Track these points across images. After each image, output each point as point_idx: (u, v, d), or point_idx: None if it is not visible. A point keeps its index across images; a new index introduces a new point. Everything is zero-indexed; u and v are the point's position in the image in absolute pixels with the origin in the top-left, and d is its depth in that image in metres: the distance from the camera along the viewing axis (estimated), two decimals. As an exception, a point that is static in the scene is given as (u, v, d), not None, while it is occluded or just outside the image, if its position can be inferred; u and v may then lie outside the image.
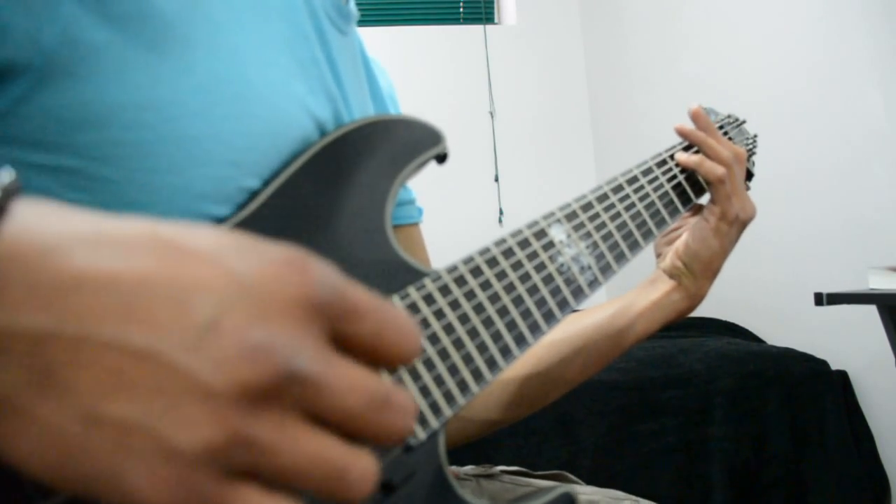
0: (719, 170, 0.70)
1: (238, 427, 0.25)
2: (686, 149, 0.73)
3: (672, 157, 0.71)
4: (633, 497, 0.76)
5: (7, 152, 0.39)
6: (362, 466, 0.26)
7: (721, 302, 2.41)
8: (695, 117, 0.74)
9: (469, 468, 0.81)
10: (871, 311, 1.62)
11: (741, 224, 0.73)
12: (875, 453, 1.86)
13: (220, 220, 0.43)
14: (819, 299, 1.54)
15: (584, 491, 0.77)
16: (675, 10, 2.70)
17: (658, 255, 0.77)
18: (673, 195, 0.69)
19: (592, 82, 3.40)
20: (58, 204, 0.27)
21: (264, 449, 0.25)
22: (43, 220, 0.26)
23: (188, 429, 0.24)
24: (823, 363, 1.93)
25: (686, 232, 0.74)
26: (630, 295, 0.77)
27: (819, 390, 1.86)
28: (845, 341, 1.95)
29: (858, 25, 1.88)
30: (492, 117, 3.28)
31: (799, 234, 2.11)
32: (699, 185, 0.72)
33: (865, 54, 1.86)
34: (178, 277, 0.25)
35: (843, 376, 1.92)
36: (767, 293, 2.26)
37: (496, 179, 3.25)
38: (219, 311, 0.25)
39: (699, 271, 0.73)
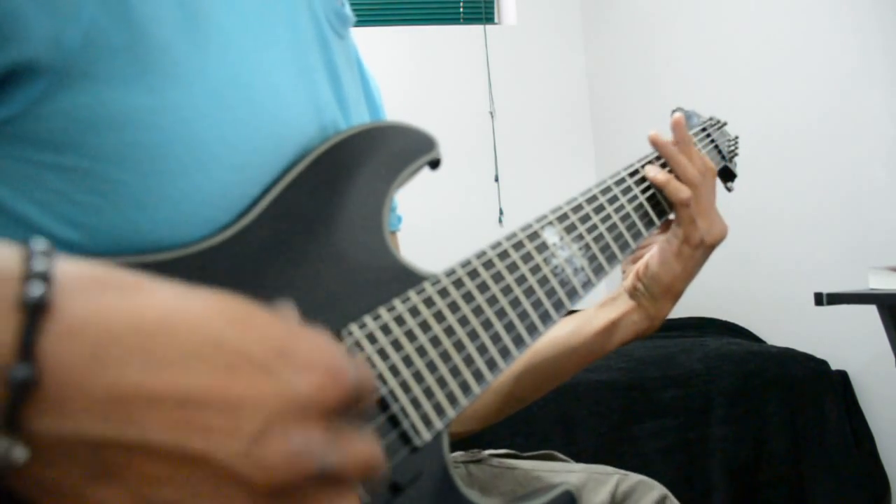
0: (683, 193, 0.68)
1: None
2: (659, 159, 0.71)
3: (651, 163, 0.70)
4: (622, 471, 0.76)
5: (23, 152, 0.39)
6: None
7: (721, 302, 2.42)
8: (675, 126, 0.72)
9: (458, 454, 0.81)
10: (871, 311, 1.62)
11: (707, 247, 0.69)
12: (875, 453, 1.86)
13: (223, 227, 0.43)
14: (819, 299, 1.54)
15: (572, 468, 0.78)
16: (676, 10, 2.70)
17: (623, 272, 0.76)
18: (660, 196, 0.69)
19: (592, 82, 3.40)
20: (98, 280, 0.28)
21: None
22: (91, 312, 0.27)
23: None
24: (823, 363, 1.93)
25: (648, 253, 0.73)
26: (589, 311, 0.76)
27: (819, 390, 1.86)
28: (845, 341, 1.95)
29: (858, 26, 1.88)
30: (492, 117, 3.28)
31: (799, 234, 2.11)
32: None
33: (865, 54, 1.86)
34: (231, 389, 0.28)
35: (843, 376, 1.92)
36: (767, 293, 2.26)
37: (496, 179, 3.25)
38: (267, 421, 0.28)
39: (659, 294, 0.71)
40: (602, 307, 0.75)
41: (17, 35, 0.37)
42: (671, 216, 0.70)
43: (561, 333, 0.74)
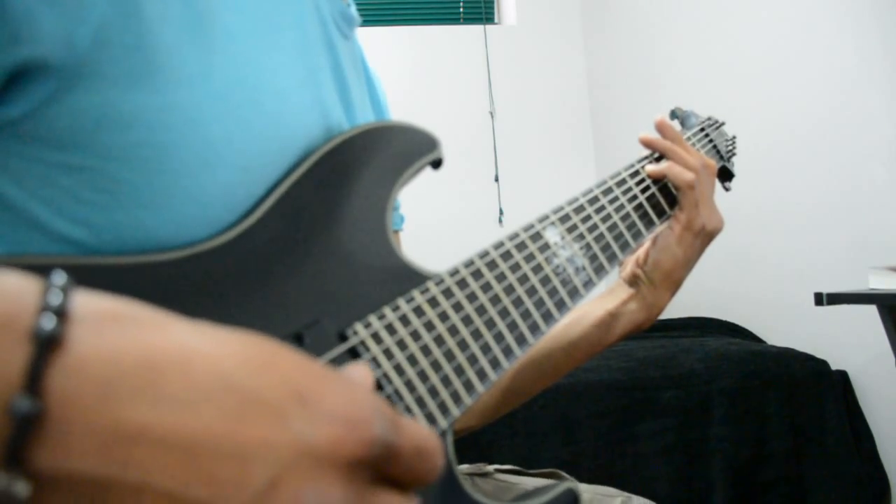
0: (688, 175, 0.68)
1: None
2: (658, 161, 0.71)
3: (653, 162, 0.71)
4: (626, 493, 0.76)
5: (32, 151, 0.39)
6: None
7: (721, 302, 2.42)
8: (660, 128, 0.72)
9: (463, 467, 0.81)
10: (871, 311, 1.62)
11: (707, 236, 0.70)
12: (875, 453, 1.86)
13: (228, 226, 0.44)
14: (819, 299, 1.54)
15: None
16: (676, 10, 2.70)
17: (620, 264, 0.75)
18: (659, 196, 0.69)
19: (592, 82, 3.40)
20: (115, 315, 0.27)
21: None
22: (101, 348, 0.26)
23: None
24: (823, 363, 1.93)
25: (648, 241, 0.72)
26: (586, 304, 0.75)
27: (819, 390, 1.86)
28: (845, 341, 1.95)
29: (858, 26, 1.88)
30: (492, 117, 3.28)
31: (799, 234, 2.11)
32: (673, 195, 0.71)
33: (865, 55, 1.86)
34: (240, 435, 0.26)
35: (843, 376, 1.92)
36: (767, 293, 2.26)
37: (496, 179, 3.25)
38: (277, 472, 0.26)
39: (659, 280, 0.71)
40: (600, 299, 0.75)
41: (28, 34, 0.37)
42: (672, 212, 0.71)
43: (559, 327, 0.74)
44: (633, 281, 0.73)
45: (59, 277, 0.27)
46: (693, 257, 0.71)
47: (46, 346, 0.25)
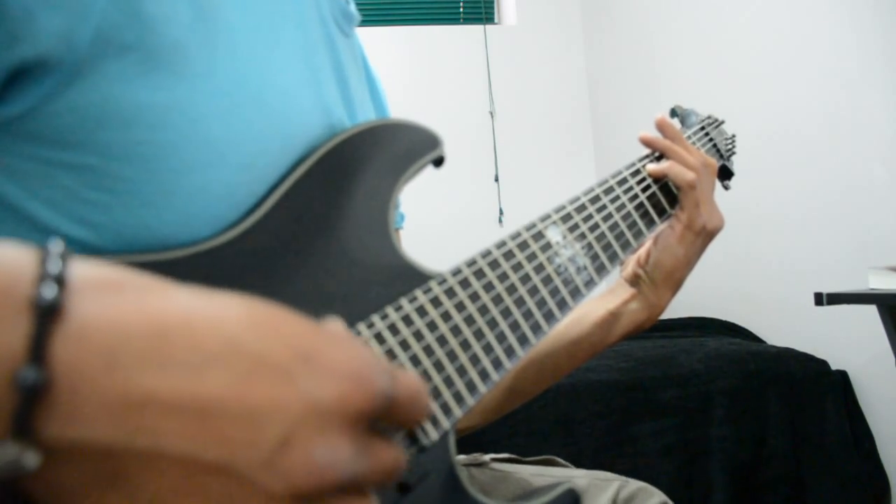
0: (689, 174, 0.68)
1: None
2: (658, 159, 0.71)
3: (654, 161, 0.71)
4: (623, 477, 0.76)
5: (32, 149, 0.39)
6: None
7: (721, 302, 2.42)
8: (660, 127, 0.72)
9: (460, 458, 0.81)
10: (871, 311, 1.62)
11: (707, 235, 0.70)
12: (875, 453, 1.86)
13: (230, 224, 0.44)
14: (819, 299, 1.54)
15: (573, 474, 0.78)
16: (675, 10, 2.70)
17: (621, 264, 0.75)
18: (660, 195, 0.69)
19: (592, 82, 3.40)
20: (113, 283, 0.27)
21: None
22: (103, 315, 0.26)
23: None
24: (823, 363, 1.93)
25: (649, 241, 0.73)
26: (588, 304, 0.75)
27: (819, 390, 1.86)
28: (845, 341, 1.95)
29: (858, 26, 1.88)
30: (492, 117, 3.28)
31: (799, 234, 2.11)
32: (673, 194, 0.71)
33: (865, 54, 1.86)
34: (250, 396, 0.26)
35: (843, 376, 1.92)
36: (767, 293, 2.26)
37: (496, 179, 3.25)
38: (288, 430, 0.26)
39: (660, 280, 0.71)
40: (601, 299, 0.75)
41: (28, 32, 0.37)
42: (673, 211, 0.71)
43: (560, 327, 0.73)
44: (634, 280, 0.73)
45: (56, 246, 0.27)
46: (694, 256, 0.71)
47: (48, 315, 0.25)
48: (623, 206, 0.65)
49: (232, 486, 0.26)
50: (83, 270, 0.27)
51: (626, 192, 0.66)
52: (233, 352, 0.27)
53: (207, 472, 0.26)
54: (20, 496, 0.26)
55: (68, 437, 0.25)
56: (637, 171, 0.69)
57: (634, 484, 0.75)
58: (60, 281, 0.26)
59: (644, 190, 0.68)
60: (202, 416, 0.26)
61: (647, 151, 0.72)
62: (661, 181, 0.70)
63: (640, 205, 0.67)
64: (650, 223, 0.67)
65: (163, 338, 0.26)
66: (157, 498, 0.26)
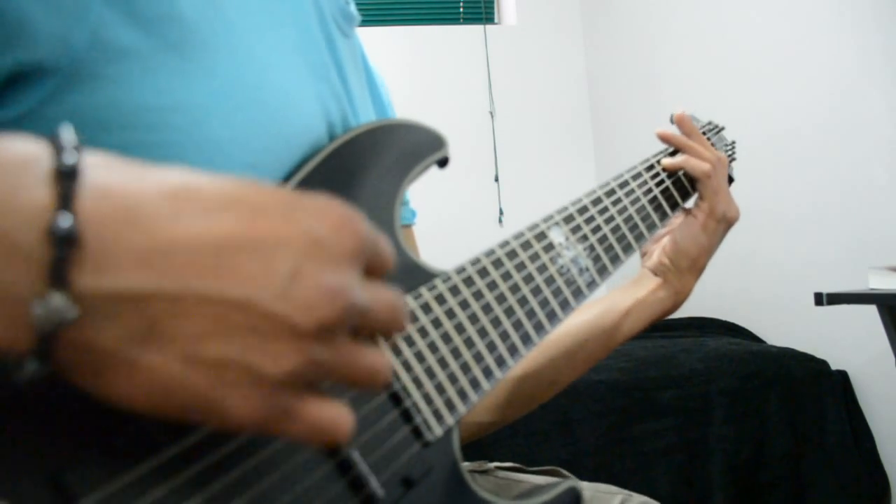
0: (705, 165, 0.72)
1: (315, 355, 0.29)
2: (671, 155, 0.74)
3: (659, 161, 0.73)
4: (626, 491, 0.76)
5: None
6: (386, 364, 0.33)
7: (721, 302, 2.42)
8: (679, 122, 0.76)
9: (464, 465, 0.81)
10: (871, 311, 1.62)
11: (727, 223, 0.74)
12: (875, 453, 1.86)
13: None
14: (819, 299, 1.54)
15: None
16: (676, 10, 2.70)
17: (643, 255, 0.79)
18: (661, 199, 0.71)
19: (592, 82, 3.40)
20: (118, 160, 0.29)
21: (329, 368, 0.31)
22: (118, 181, 0.28)
23: (277, 360, 0.28)
24: (823, 363, 1.93)
25: (673, 230, 0.76)
26: (614, 294, 0.78)
27: (819, 390, 1.86)
28: (845, 341, 1.95)
29: (858, 26, 1.88)
30: (492, 117, 3.28)
31: (799, 234, 2.11)
32: (685, 190, 0.74)
33: (865, 55, 1.86)
34: (258, 234, 0.29)
35: (843, 376, 1.92)
36: (767, 293, 2.26)
37: (496, 179, 3.25)
38: (298, 261, 0.29)
39: (686, 267, 0.74)
40: (627, 288, 0.77)
41: (24, 36, 0.37)
42: (685, 205, 0.74)
43: (589, 317, 0.76)
44: (659, 269, 0.76)
45: (68, 129, 0.28)
46: (715, 243, 0.75)
47: (71, 177, 0.26)
48: (625, 209, 0.66)
49: (257, 323, 0.28)
50: (91, 151, 0.29)
51: (627, 195, 0.67)
52: (235, 202, 0.29)
53: (232, 310, 0.28)
54: (57, 372, 0.27)
55: (101, 286, 0.26)
56: (638, 175, 0.70)
57: (638, 498, 0.75)
58: (78, 149, 0.27)
59: (646, 193, 0.70)
60: (219, 254, 0.28)
61: (648, 152, 0.73)
62: (674, 176, 0.73)
63: (642, 208, 0.68)
64: (651, 226, 0.69)
65: (172, 196, 0.28)
66: (190, 347, 0.27)
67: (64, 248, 0.25)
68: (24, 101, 0.38)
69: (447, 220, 2.96)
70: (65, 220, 0.25)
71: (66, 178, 0.26)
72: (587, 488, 0.76)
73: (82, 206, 0.26)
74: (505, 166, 3.26)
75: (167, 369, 0.27)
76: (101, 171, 0.28)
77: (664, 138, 0.75)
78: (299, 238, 0.29)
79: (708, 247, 0.74)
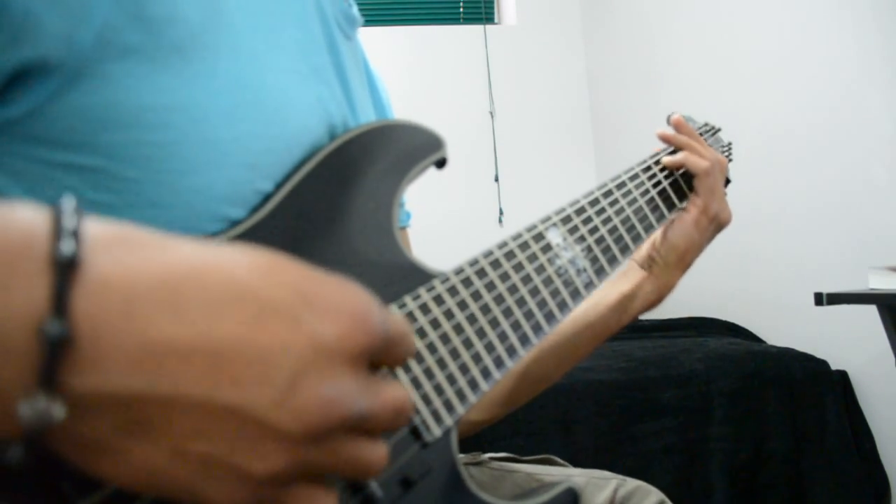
0: (704, 162, 0.73)
1: (304, 457, 0.29)
2: (672, 154, 0.75)
3: (657, 162, 0.73)
4: (620, 476, 0.77)
5: (35, 151, 0.39)
6: (380, 456, 0.32)
7: (721, 302, 2.42)
8: (676, 126, 0.77)
9: (459, 457, 0.81)
10: (871, 311, 1.62)
11: (718, 224, 0.75)
12: (875, 453, 1.86)
13: (235, 223, 0.44)
14: (819, 299, 1.54)
15: (571, 473, 0.78)
16: (676, 10, 2.70)
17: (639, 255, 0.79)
18: (658, 200, 0.71)
19: (592, 82, 3.40)
20: (124, 238, 0.28)
21: (320, 467, 0.30)
22: (119, 269, 0.27)
23: (264, 461, 0.28)
24: (823, 363, 1.93)
25: (663, 225, 0.76)
26: (601, 289, 0.79)
27: (819, 390, 1.86)
28: (845, 341, 1.95)
29: (858, 26, 1.88)
30: (492, 117, 3.28)
31: (799, 234, 2.11)
32: (682, 191, 0.74)
33: (865, 55, 1.86)
34: (260, 341, 0.28)
35: (843, 376, 1.92)
36: (767, 293, 2.26)
37: (496, 179, 3.25)
38: (298, 370, 0.28)
39: (673, 262, 0.74)
40: (614, 282, 0.78)
41: (30, 34, 0.37)
42: (681, 206, 0.74)
43: (577, 311, 0.76)
44: (647, 263, 0.76)
45: (69, 202, 0.27)
46: (704, 242, 0.75)
47: (68, 270, 0.26)
48: (622, 210, 0.66)
49: (248, 428, 0.27)
50: (95, 226, 0.28)
51: (624, 196, 0.68)
52: (241, 297, 0.28)
53: (225, 416, 0.27)
54: (47, 454, 0.27)
55: (92, 387, 0.26)
56: (635, 176, 0.71)
57: (632, 483, 0.76)
58: (77, 236, 0.26)
59: (643, 194, 0.70)
60: (216, 360, 0.27)
61: (647, 152, 0.74)
62: (671, 177, 0.73)
63: (639, 209, 0.69)
64: (648, 227, 0.69)
65: (175, 287, 0.27)
66: (178, 443, 0.27)
67: (55, 351, 0.25)
68: (27, 98, 0.38)
69: (447, 221, 2.96)
70: (57, 324, 0.25)
71: (62, 271, 0.25)
72: (582, 475, 0.77)
73: (77, 304, 0.26)
74: (505, 166, 3.26)
75: (153, 460, 0.27)
76: (102, 258, 0.27)
77: (665, 139, 0.76)
78: (304, 344, 0.28)
79: (697, 243, 0.74)
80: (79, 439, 0.27)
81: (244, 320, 0.28)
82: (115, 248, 0.28)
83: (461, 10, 3.38)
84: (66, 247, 0.26)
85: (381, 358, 0.32)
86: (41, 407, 0.25)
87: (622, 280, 0.77)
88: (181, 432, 0.27)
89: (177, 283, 0.27)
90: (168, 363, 0.26)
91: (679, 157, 0.74)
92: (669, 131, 0.77)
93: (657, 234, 0.76)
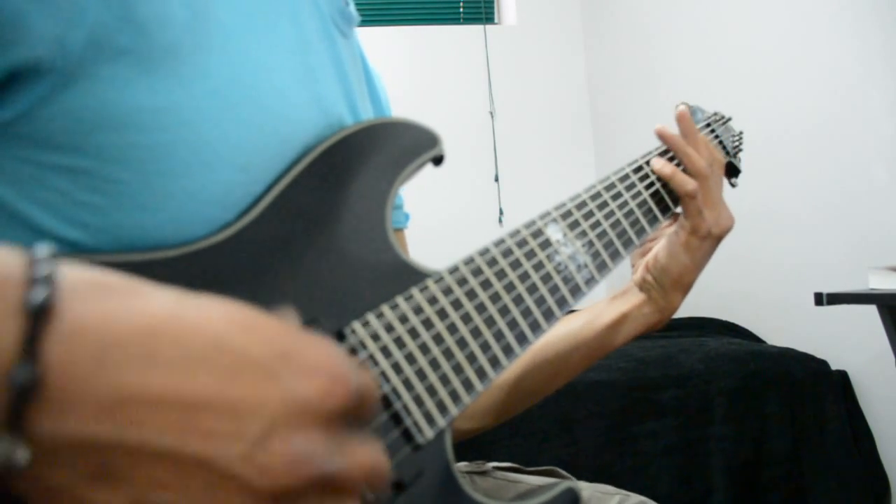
0: (689, 185, 0.68)
1: None
2: (665, 153, 0.71)
3: (648, 163, 0.70)
4: (623, 491, 0.76)
5: (26, 153, 0.39)
6: None
7: (721, 302, 2.42)
8: (679, 119, 0.73)
9: (462, 465, 0.81)
10: (871, 311, 1.62)
11: (714, 238, 0.70)
12: (875, 453, 1.86)
13: (226, 225, 0.43)
14: (819, 299, 1.53)
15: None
16: (675, 9, 2.70)
17: (633, 266, 0.76)
18: (664, 192, 0.69)
19: (592, 82, 3.40)
20: (101, 284, 0.28)
21: None
22: (94, 316, 0.27)
23: None
24: (823, 363, 1.93)
25: (657, 245, 0.73)
26: (599, 306, 0.76)
27: (819, 390, 1.86)
28: (845, 341, 1.95)
29: (858, 26, 1.88)
30: (492, 117, 3.28)
31: (799, 234, 2.11)
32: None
33: (865, 55, 1.86)
34: (233, 396, 0.28)
35: (843, 376, 1.92)
36: (767, 293, 2.26)
37: (496, 179, 3.25)
38: (270, 426, 0.28)
39: (669, 286, 0.71)
40: (612, 301, 0.76)
41: (21, 37, 0.37)
42: (677, 210, 0.70)
43: (572, 328, 0.75)
44: (643, 286, 0.73)
45: (44, 249, 0.27)
46: (702, 260, 0.71)
47: (40, 316, 0.26)
48: (625, 203, 0.65)
49: (214, 481, 0.27)
50: (71, 272, 0.28)
51: (627, 189, 0.66)
52: (217, 350, 0.28)
53: (192, 468, 0.27)
54: (10, 496, 0.27)
55: (59, 433, 0.26)
56: (639, 169, 0.68)
57: (635, 498, 0.75)
58: (50, 282, 0.26)
59: (648, 187, 0.68)
60: (187, 411, 0.27)
61: (647, 151, 0.72)
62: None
63: (643, 202, 0.66)
64: (653, 220, 0.67)
65: (151, 337, 0.27)
66: (143, 492, 0.27)
67: (22, 395, 0.25)
68: (18, 101, 0.38)
69: (447, 220, 2.96)
70: (25, 370, 0.25)
71: (34, 317, 0.25)
72: (585, 488, 0.76)
73: (48, 350, 0.25)
74: (505, 166, 3.26)
75: None
76: (77, 304, 0.27)
77: (660, 136, 0.72)
78: (277, 401, 0.28)
79: (691, 265, 0.70)
80: (43, 483, 0.27)
81: (220, 373, 0.28)
82: (92, 294, 0.27)
83: (461, 10, 3.38)
84: (38, 294, 0.26)
85: (353, 416, 0.32)
86: (4, 449, 0.25)
87: (622, 300, 0.75)
88: (146, 482, 0.27)
89: (153, 333, 0.27)
90: (138, 412, 0.26)
91: (667, 171, 0.68)
92: (673, 126, 0.73)
93: (651, 257, 0.73)
